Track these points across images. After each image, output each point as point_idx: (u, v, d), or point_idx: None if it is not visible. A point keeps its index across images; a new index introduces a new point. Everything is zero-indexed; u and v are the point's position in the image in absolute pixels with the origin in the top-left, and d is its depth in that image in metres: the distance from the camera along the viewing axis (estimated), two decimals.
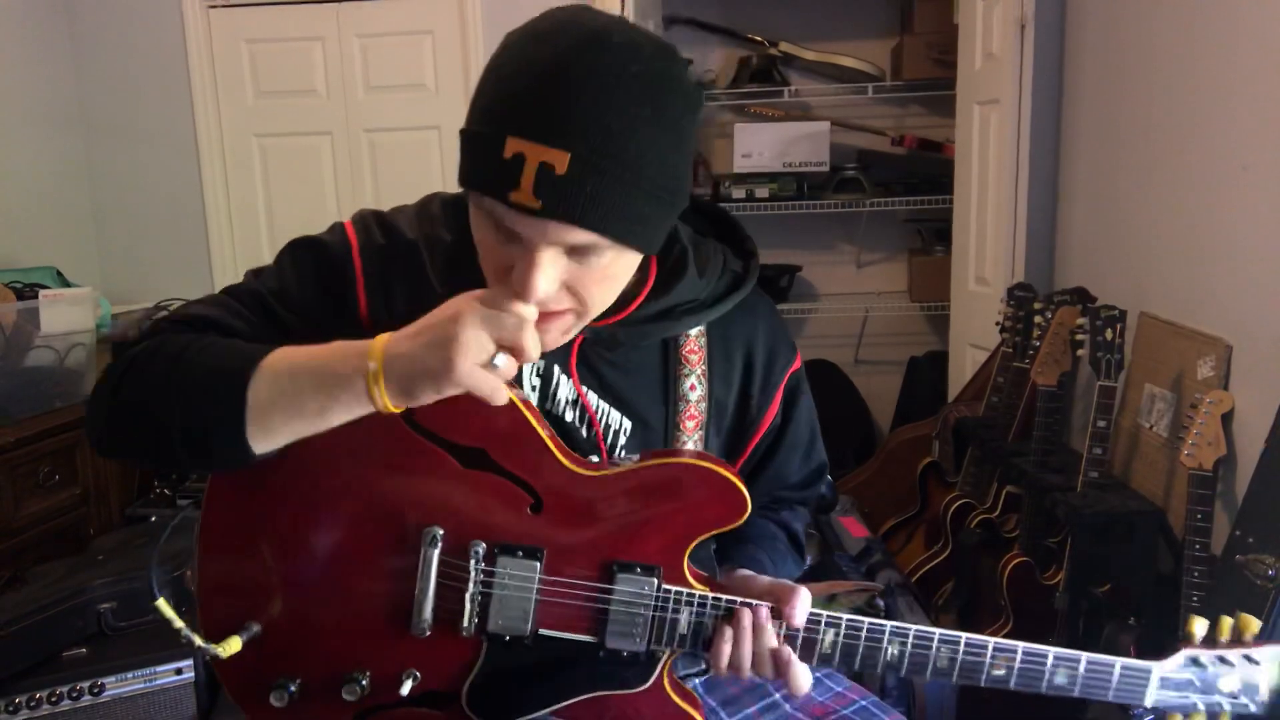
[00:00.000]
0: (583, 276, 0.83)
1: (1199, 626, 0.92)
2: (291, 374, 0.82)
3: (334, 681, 0.93)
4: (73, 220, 3.38)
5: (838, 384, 3.88)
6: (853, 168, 3.59)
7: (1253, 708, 0.93)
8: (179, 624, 0.90)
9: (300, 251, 0.96)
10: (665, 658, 0.94)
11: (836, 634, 0.91)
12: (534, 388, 0.98)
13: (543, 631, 0.92)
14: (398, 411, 0.82)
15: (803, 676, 0.90)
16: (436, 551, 0.91)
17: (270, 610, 0.93)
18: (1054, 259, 2.83)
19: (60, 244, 3.24)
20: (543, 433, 0.92)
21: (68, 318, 2.58)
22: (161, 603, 0.90)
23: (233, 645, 0.90)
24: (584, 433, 0.99)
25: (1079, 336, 2.21)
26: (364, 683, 0.92)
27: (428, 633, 0.92)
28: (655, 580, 0.91)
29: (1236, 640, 0.93)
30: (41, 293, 2.56)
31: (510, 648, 0.92)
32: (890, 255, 3.94)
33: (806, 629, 0.91)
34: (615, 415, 1.00)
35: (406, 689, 0.92)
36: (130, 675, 1.65)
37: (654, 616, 0.91)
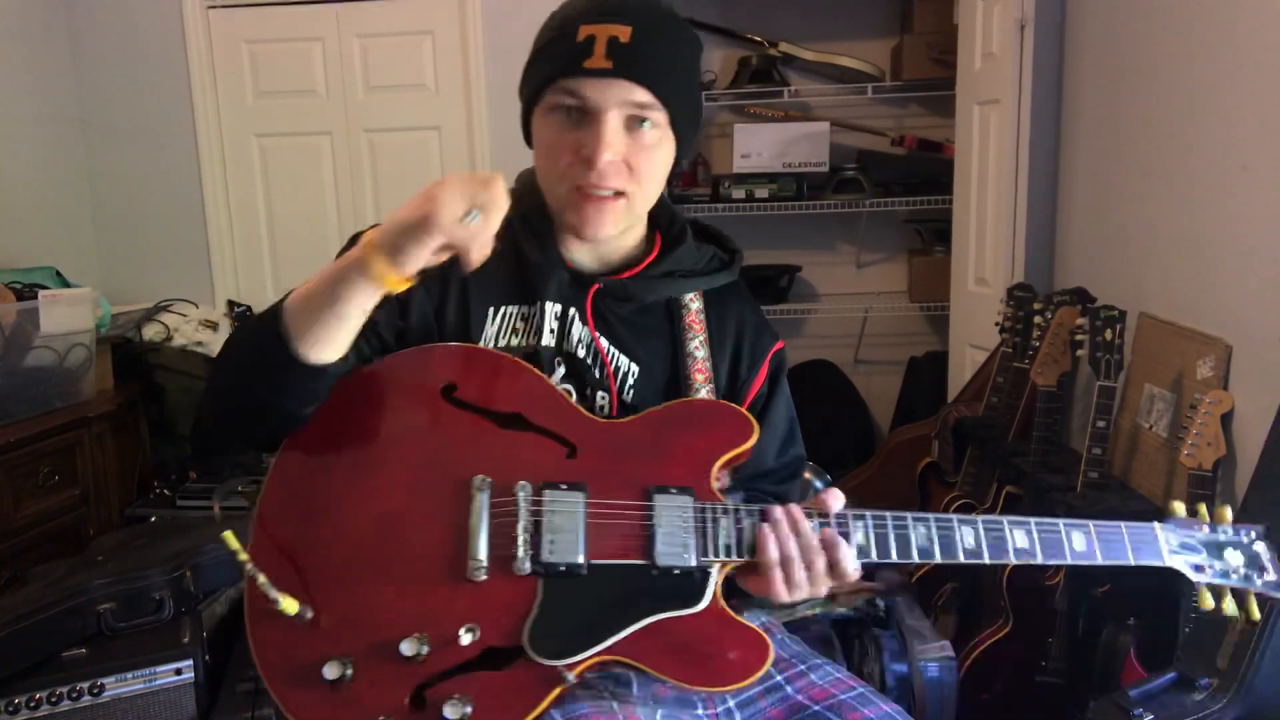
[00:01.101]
0: (636, 152, 1.03)
1: (1179, 508, 1.06)
2: (311, 283, 0.96)
3: (389, 653, 0.93)
4: (73, 220, 3.38)
5: (837, 384, 3.88)
6: (852, 168, 3.58)
7: (1269, 576, 1.04)
8: (244, 556, 0.94)
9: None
10: (716, 574, 0.99)
11: (866, 528, 1.00)
12: (552, 330, 1.12)
13: (595, 562, 0.97)
14: (396, 284, 0.92)
15: (850, 558, 0.98)
16: (486, 494, 0.98)
17: (322, 588, 0.95)
18: (1054, 259, 2.82)
19: (60, 244, 3.24)
20: (569, 397, 1.06)
21: (67, 318, 2.58)
22: (229, 535, 0.93)
23: (291, 605, 0.92)
24: (595, 372, 1.11)
25: (1079, 337, 2.21)
26: (424, 649, 0.93)
27: (483, 576, 0.95)
28: (689, 497, 1.00)
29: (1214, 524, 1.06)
30: (41, 293, 2.56)
31: (566, 582, 0.96)
32: (890, 255, 3.93)
33: (839, 525, 1.00)
34: (624, 359, 1.14)
35: (466, 641, 0.93)
36: (130, 676, 1.64)
37: (696, 528, 0.99)
